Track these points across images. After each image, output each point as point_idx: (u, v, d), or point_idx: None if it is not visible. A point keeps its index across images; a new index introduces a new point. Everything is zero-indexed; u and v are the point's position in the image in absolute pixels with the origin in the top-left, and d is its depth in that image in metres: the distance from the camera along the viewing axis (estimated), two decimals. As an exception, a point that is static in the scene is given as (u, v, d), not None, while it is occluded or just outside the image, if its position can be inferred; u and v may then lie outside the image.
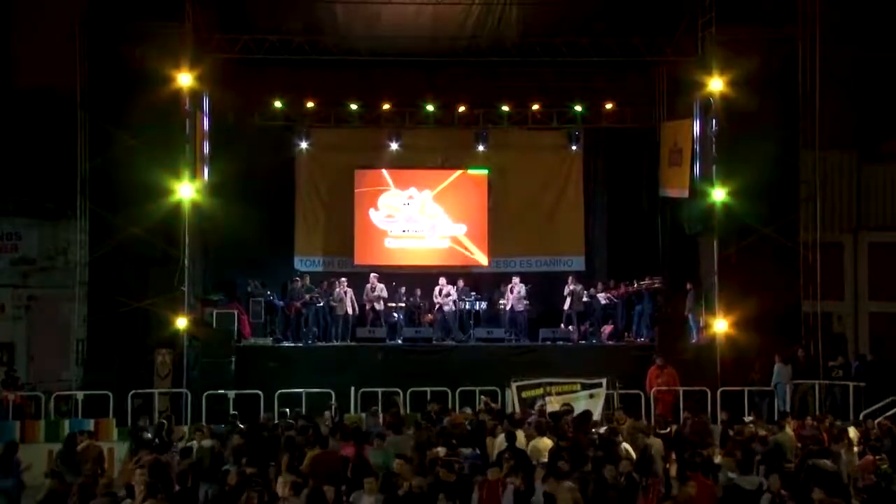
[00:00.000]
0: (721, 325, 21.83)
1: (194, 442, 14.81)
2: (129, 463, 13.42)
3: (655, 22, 23.54)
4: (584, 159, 26.32)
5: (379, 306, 24.15)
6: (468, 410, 17.95)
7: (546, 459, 13.12)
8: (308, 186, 25.97)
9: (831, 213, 24.27)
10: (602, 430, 15.74)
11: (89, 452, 15.10)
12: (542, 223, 26.14)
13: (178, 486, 11.98)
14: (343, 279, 24.23)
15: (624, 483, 12.03)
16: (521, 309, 24.26)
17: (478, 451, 14.33)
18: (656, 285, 23.99)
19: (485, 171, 26.02)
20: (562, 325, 24.00)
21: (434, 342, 23.43)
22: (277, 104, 24.88)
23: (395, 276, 25.15)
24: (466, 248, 25.97)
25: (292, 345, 23.38)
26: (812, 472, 12.68)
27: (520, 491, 11.28)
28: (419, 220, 25.96)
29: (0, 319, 24.51)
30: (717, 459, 13.72)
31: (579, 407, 17.45)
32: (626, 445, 14.49)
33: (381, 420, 16.99)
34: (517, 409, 18.17)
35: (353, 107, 25.09)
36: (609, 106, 25.32)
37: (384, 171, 25.99)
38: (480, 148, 25.91)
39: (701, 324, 22.86)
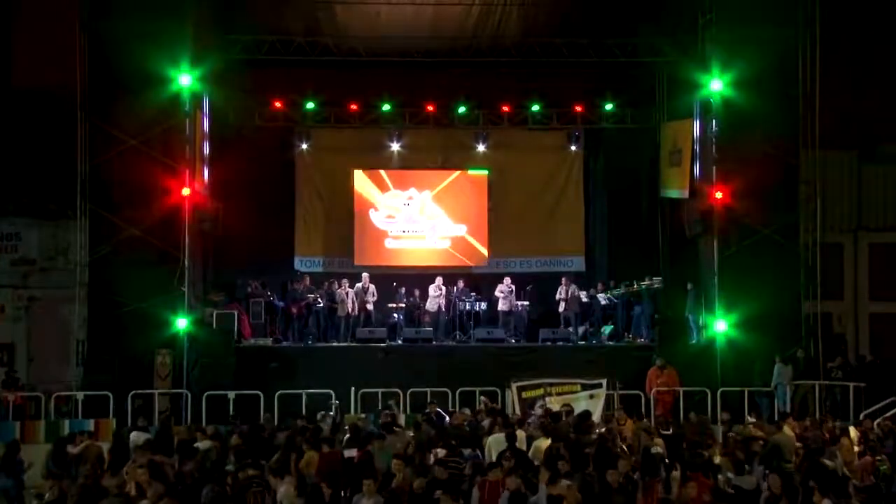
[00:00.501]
0: (721, 326, 21.83)
1: (199, 443, 14.79)
2: (134, 463, 13.40)
3: (656, 22, 23.54)
4: (584, 159, 26.34)
5: (370, 306, 24.11)
6: (466, 411, 17.95)
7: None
8: (308, 187, 25.97)
9: (831, 213, 24.27)
10: (600, 430, 15.73)
11: (89, 453, 15.10)
12: (542, 223, 26.15)
13: (180, 486, 11.95)
14: (345, 280, 24.22)
15: (623, 483, 12.01)
16: (519, 309, 24.24)
17: (477, 452, 14.32)
18: (656, 286, 23.97)
19: (485, 172, 26.02)
20: (561, 327, 24.01)
21: (434, 342, 23.42)
22: (277, 105, 24.88)
23: (395, 277, 25.15)
24: (466, 249, 25.96)
25: (292, 345, 23.37)
26: (817, 471, 12.65)
27: (519, 492, 11.26)
28: (419, 220, 25.96)
29: (0, 320, 24.49)
30: (717, 460, 13.72)
31: (579, 407, 17.45)
32: (623, 447, 14.49)
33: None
34: (517, 410, 18.16)
35: (353, 107, 25.08)
36: (609, 106, 25.32)
37: (384, 172, 26.00)
38: (480, 148, 25.92)
39: (701, 324, 22.85)
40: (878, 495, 12.66)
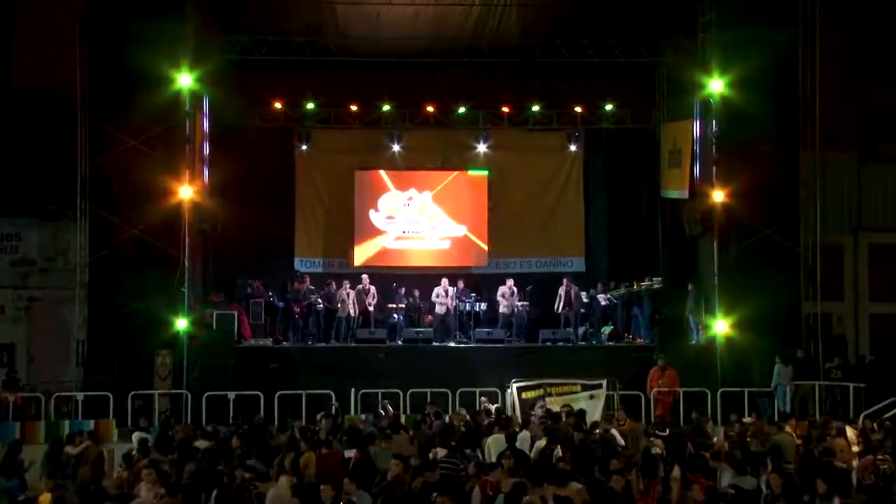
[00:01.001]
0: (721, 327, 21.83)
1: (198, 443, 14.79)
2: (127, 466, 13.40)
3: (655, 23, 23.54)
4: (584, 160, 26.32)
5: (370, 308, 24.11)
6: (463, 412, 17.96)
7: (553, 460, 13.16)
8: (308, 187, 25.96)
9: (831, 214, 24.21)
10: (597, 430, 15.73)
11: (89, 453, 15.10)
12: (543, 224, 26.14)
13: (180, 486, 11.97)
14: (346, 281, 24.20)
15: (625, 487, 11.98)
16: (519, 310, 24.25)
17: (477, 452, 14.31)
18: (656, 286, 23.97)
19: (485, 172, 26.01)
20: (561, 327, 24.01)
21: (434, 343, 23.41)
22: (277, 105, 24.86)
23: (395, 278, 25.14)
24: (466, 249, 25.95)
25: (292, 346, 23.36)
26: (826, 471, 12.64)
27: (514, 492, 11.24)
28: (419, 221, 25.95)
29: (0, 320, 24.48)
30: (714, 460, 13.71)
31: (579, 408, 17.43)
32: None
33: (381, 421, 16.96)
34: (517, 411, 18.16)
35: (354, 108, 25.07)
36: (609, 107, 25.31)
37: (384, 172, 25.99)
38: (480, 149, 25.91)
39: (701, 324, 22.85)
40: (880, 495, 12.64)
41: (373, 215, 25.85)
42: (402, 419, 17.89)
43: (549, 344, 23.43)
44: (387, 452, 13.45)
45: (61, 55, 22.06)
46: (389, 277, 25.17)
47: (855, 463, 14.67)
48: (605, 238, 26.33)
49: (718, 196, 22.20)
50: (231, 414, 19.64)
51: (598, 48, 23.16)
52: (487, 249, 25.89)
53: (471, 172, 26.09)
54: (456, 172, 26.07)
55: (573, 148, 26.15)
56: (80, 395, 20.65)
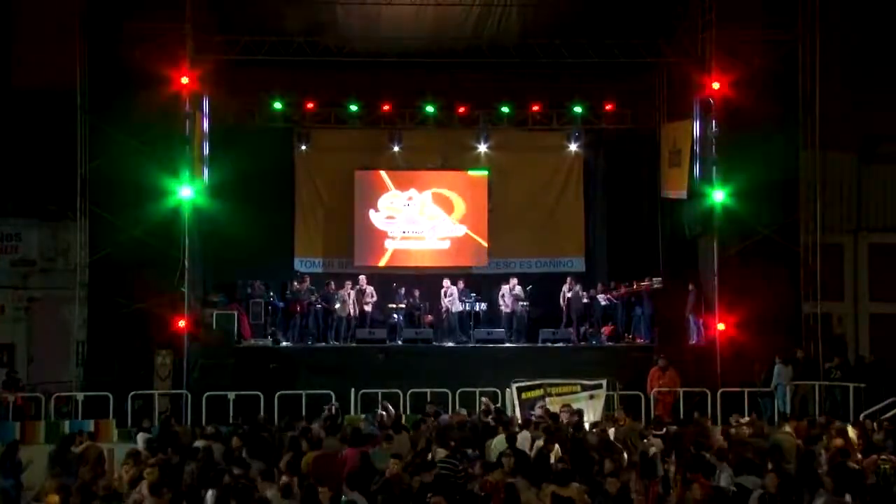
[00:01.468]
0: (721, 326, 21.82)
1: (198, 442, 14.79)
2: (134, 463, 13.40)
3: (655, 23, 23.54)
4: (584, 160, 26.33)
5: (368, 308, 24.10)
6: (463, 412, 17.95)
7: (553, 460, 13.15)
8: (308, 187, 25.96)
9: (831, 214, 24.23)
10: (594, 431, 15.74)
11: (90, 453, 15.08)
12: (542, 224, 26.14)
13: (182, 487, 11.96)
14: (348, 282, 24.20)
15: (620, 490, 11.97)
16: (520, 310, 24.26)
17: (478, 452, 14.30)
18: (655, 286, 23.97)
19: (485, 173, 26.01)
20: (563, 327, 24.01)
21: (434, 343, 23.41)
22: (277, 105, 24.85)
23: (395, 278, 25.14)
24: (466, 250, 25.95)
25: (292, 346, 23.37)
26: (840, 472, 12.63)
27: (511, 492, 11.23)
28: (419, 221, 25.95)
29: (0, 320, 24.49)
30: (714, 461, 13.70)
31: (578, 408, 17.43)
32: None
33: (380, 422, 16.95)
34: (517, 411, 18.16)
35: (353, 108, 25.06)
36: (609, 107, 25.31)
37: (384, 173, 25.99)
38: (480, 149, 25.91)
39: (701, 324, 22.85)
40: (882, 495, 12.65)
41: (373, 215, 25.85)
42: (402, 419, 17.90)
43: (549, 344, 23.43)
44: (387, 453, 13.43)
45: (61, 55, 22.08)
46: (389, 277, 25.17)
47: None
48: (605, 238, 26.33)
49: (718, 196, 22.20)
50: (231, 414, 19.64)
51: (598, 48, 23.14)
52: (488, 250, 25.89)
53: (471, 172, 26.09)
54: (456, 172, 26.06)
55: (573, 148, 26.16)
56: (80, 395, 20.67)
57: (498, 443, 14.51)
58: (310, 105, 25.01)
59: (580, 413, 16.77)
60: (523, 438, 14.72)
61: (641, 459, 13.68)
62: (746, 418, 17.96)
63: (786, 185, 22.64)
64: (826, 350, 22.18)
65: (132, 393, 20.11)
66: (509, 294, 24.27)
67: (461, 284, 24.64)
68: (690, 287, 23.23)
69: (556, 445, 14.10)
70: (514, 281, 24.50)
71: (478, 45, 23.58)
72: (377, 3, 22.97)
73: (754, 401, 20.54)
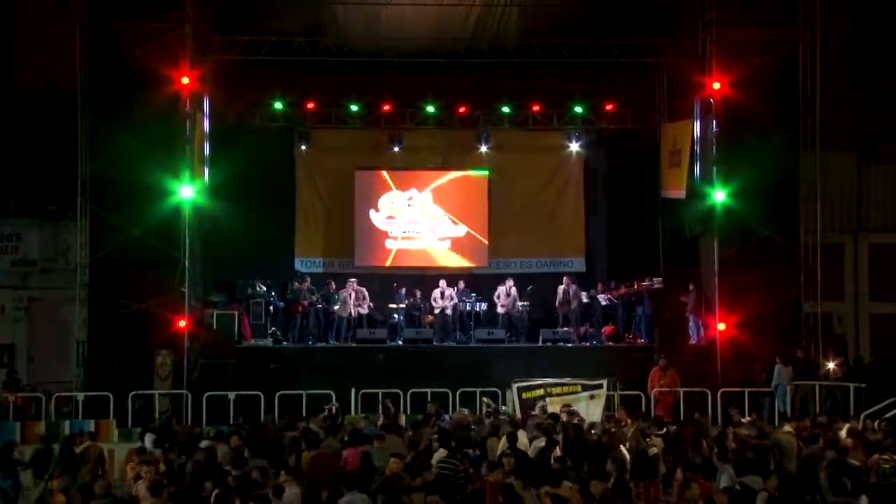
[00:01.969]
0: (721, 326, 21.83)
1: (205, 442, 14.78)
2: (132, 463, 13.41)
3: (656, 23, 23.55)
4: (584, 160, 26.32)
5: (363, 310, 24.06)
6: (465, 412, 17.95)
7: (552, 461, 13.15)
8: (308, 187, 25.96)
9: (832, 214, 24.25)
10: (594, 431, 15.73)
11: (90, 453, 15.08)
12: (543, 224, 26.14)
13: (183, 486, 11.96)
14: (351, 280, 24.18)
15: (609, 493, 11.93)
16: (519, 311, 24.25)
17: (479, 453, 14.31)
18: (655, 286, 23.98)
19: (485, 173, 26.00)
20: (560, 327, 24.01)
21: (434, 343, 23.42)
22: (278, 105, 24.86)
23: (396, 278, 25.14)
24: (467, 250, 25.95)
25: (292, 346, 23.37)
26: (848, 471, 12.63)
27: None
28: (419, 221, 25.94)
29: (0, 321, 24.50)
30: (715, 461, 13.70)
31: (580, 408, 17.44)
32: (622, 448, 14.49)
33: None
34: (517, 411, 18.16)
35: (354, 108, 25.07)
36: (609, 107, 25.31)
37: (384, 173, 25.99)
38: (481, 149, 25.90)
39: (701, 325, 22.85)
40: (884, 494, 12.64)
41: (373, 215, 25.85)
42: (403, 419, 17.90)
43: (549, 344, 23.42)
44: (380, 452, 13.45)
45: (61, 55, 22.10)
46: (390, 278, 25.17)
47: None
48: (605, 238, 26.32)
49: (718, 196, 22.21)
50: (231, 414, 19.64)
51: (598, 48, 23.15)
52: (488, 250, 25.89)
53: (471, 173, 26.09)
54: (456, 173, 26.07)
55: (573, 148, 26.16)
56: (80, 395, 20.67)
57: (496, 442, 14.49)
58: (310, 105, 25.01)
59: (578, 413, 16.76)
60: (523, 438, 14.72)
61: (641, 459, 13.69)
62: (747, 418, 17.97)
63: (786, 185, 22.64)
64: (826, 350, 22.16)
65: (132, 393, 20.10)
66: (504, 295, 24.27)
67: (461, 284, 24.64)
68: (690, 287, 23.23)
69: (556, 446, 14.09)
70: (509, 282, 24.50)
71: (478, 45, 23.58)
72: (377, 3, 22.98)
73: (754, 401, 20.54)
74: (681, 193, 23.91)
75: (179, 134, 21.90)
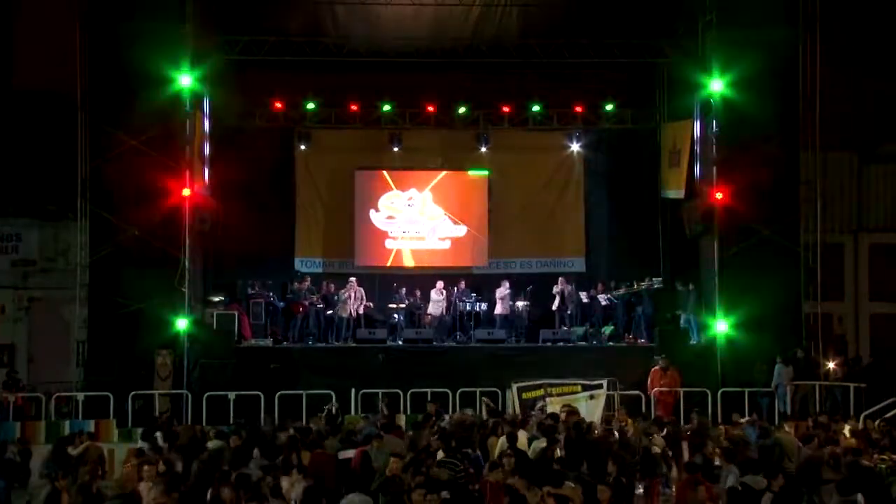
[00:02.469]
0: (721, 326, 21.84)
1: (213, 442, 14.78)
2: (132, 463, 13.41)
3: (655, 23, 23.56)
4: (584, 160, 26.32)
5: (361, 310, 24.05)
6: (468, 411, 17.94)
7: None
8: (308, 187, 25.95)
9: (832, 214, 24.27)
10: (594, 431, 15.75)
11: (90, 453, 15.10)
12: (543, 224, 26.13)
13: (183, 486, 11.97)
14: (352, 279, 24.18)
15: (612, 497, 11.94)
16: (519, 310, 24.25)
17: (479, 453, 14.31)
18: (656, 286, 23.97)
19: (485, 173, 26.00)
20: (557, 327, 24.01)
21: (434, 343, 23.42)
22: (278, 105, 24.85)
23: (396, 278, 25.14)
24: (467, 250, 25.94)
25: (292, 346, 23.37)
26: (856, 472, 12.64)
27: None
28: (420, 221, 25.93)
29: (0, 321, 24.51)
30: (717, 461, 13.71)
31: (580, 408, 17.44)
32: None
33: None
34: (517, 411, 18.16)
35: (354, 108, 25.06)
36: (609, 107, 25.31)
37: (384, 173, 25.98)
38: (481, 149, 25.86)
39: (701, 324, 22.85)
40: (880, 492, 12.65)
41: (373, 215, 25.84)
42: (402, 419, 17.90)
43: (549, 344, 23.42)
44: (378, 452, 13.46)
45: (61, 55, 22.09)
46: (390, 278, 25.16)
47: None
48: (605, 238, 26.32)
49: (718, 196, 22.21)
50: (231, 414, 19.65)
51: (598, 48, 23.16)
52: (488, 250, 25.88)
53: (471, 173, 26.09)
54: (456, 173, 26.07)
55: (573, 148, 26.16)
56: (80, 395, 20.67)
57: (496, 442, 14.50)
58: (310, 105, 25.00)
59: (578, 413, 16.76)
60: (523, 438, 14.73)
61: (643, 457, 13.69)
62: (747, 418, 17.99)
63: (786, 185, 22.63)
64: (826, 350, 22.18)
65: (132, 393, 20.11)
66: (498, 299, 24.27)
67: (462, 285, 24.63)
68: (690, 287, 23.23)
69: (557, 446, 14.10)
70: (505, 284, 24.48)
71: (478, 45, 23.59)
72: (377, 4, 22.98)
73: (754, 401, 20.55)
74: (681, 193, 23.92)
75: (180, 134, 21.89)
